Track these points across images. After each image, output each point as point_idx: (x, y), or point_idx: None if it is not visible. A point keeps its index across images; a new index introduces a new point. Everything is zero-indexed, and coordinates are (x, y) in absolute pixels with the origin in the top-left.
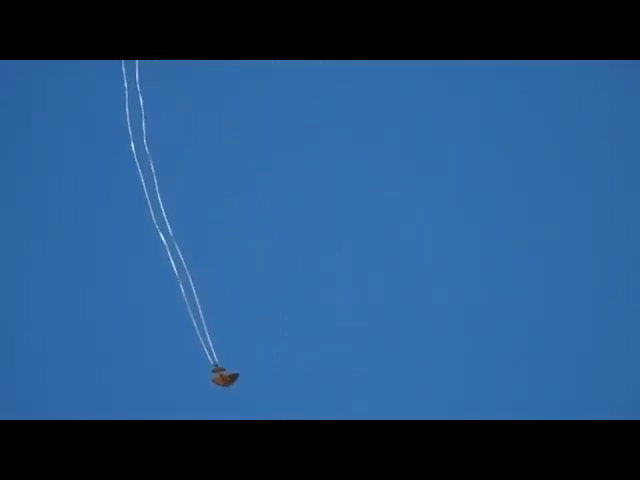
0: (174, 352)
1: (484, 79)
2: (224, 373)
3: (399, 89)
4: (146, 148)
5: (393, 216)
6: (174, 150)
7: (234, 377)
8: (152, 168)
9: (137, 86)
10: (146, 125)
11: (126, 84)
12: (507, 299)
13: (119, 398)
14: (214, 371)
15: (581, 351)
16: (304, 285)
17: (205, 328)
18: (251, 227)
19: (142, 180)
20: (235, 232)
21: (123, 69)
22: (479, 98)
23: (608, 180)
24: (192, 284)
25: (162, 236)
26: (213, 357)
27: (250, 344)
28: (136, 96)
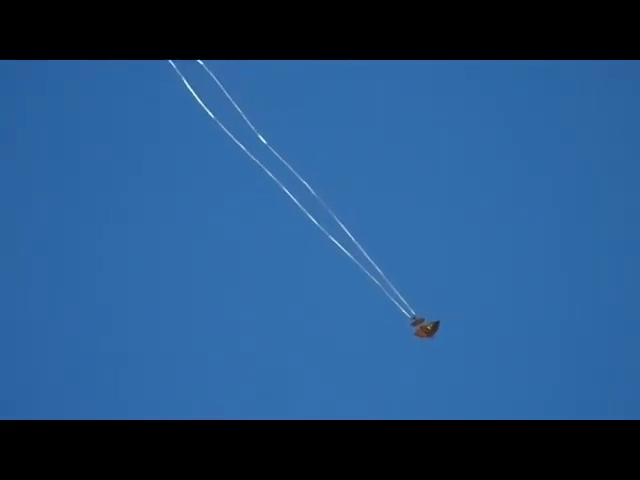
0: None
1: (484, 79)
2: (424, 324)
3: (399, 89)
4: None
5: (390, 213)
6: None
7: (436, 326)
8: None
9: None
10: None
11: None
12: (506, 299)
13: (119, 398)
14: (413, 324)
15: (581, 351)
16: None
17: (390, 283)
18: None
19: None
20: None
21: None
22: (479, 98)
23: (608, 179)
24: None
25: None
26: (408, 309)
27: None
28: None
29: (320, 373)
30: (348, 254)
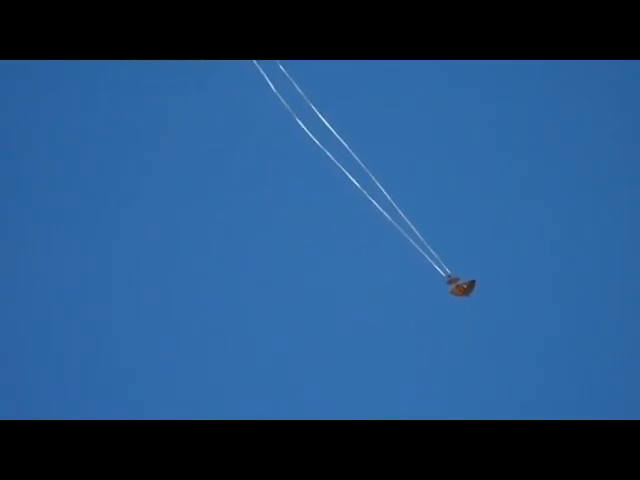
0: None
1: (484, 79)
2: (460, 282)
3: (399, 89)
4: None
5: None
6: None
7: (472, 284)
8: None
9: None
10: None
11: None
12: (505, 300)
13: (117, 398)
14: (449, 282)
15: (581, 352)
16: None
17: (424, 241)
18: None
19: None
20: None
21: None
22: (479, 98)
23: (608, 179)
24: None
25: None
26: (443, 268)
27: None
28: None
29: (322, 373)
30: (385, 213)
